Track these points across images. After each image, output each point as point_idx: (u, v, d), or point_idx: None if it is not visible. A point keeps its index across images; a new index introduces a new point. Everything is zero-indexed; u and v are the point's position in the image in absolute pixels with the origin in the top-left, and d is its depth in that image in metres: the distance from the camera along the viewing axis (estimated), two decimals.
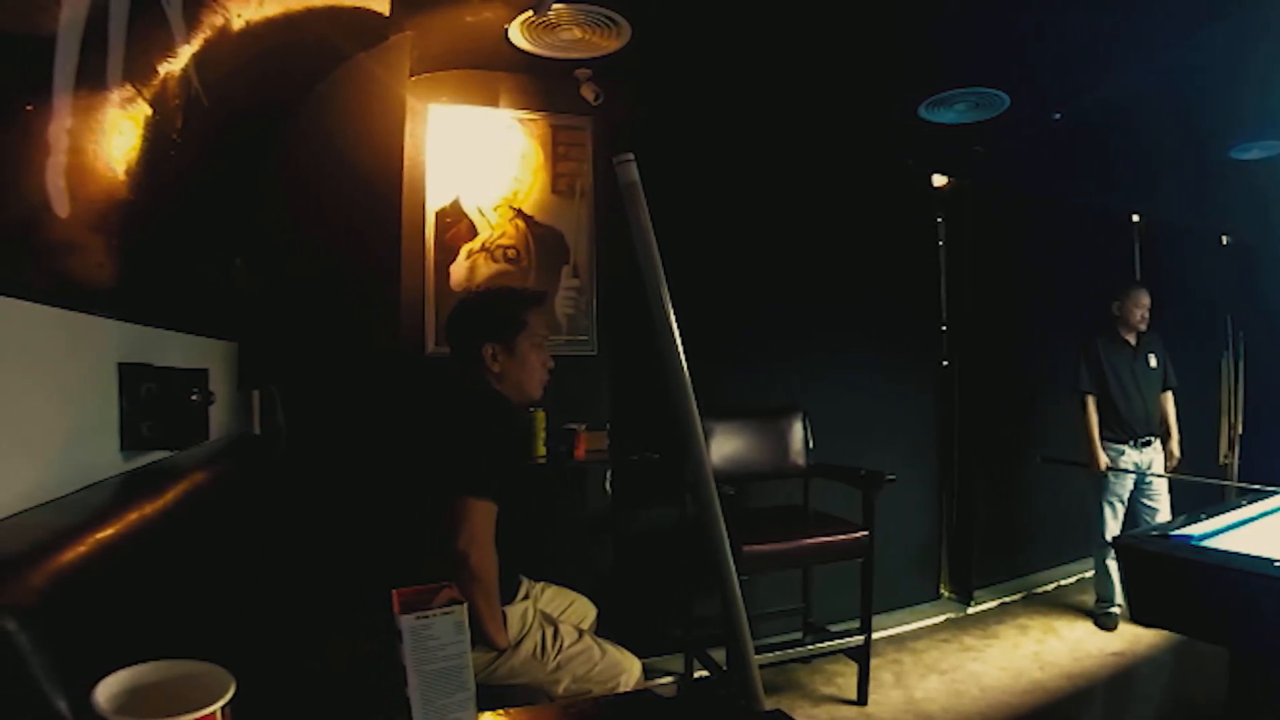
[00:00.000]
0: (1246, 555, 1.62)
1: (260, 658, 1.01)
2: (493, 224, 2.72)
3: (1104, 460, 3.21)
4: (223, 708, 0.62)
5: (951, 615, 3.37)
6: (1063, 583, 3.76)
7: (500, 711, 0.88)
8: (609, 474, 2.81)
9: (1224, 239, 4.85)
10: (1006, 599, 3.56)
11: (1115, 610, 3.17)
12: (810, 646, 2.63)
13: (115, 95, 1.10)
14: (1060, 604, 3.49)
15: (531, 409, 2.53)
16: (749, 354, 3.12)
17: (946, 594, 3.59)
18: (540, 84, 2.76)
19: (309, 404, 2.06)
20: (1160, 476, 3.25)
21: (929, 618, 3.33)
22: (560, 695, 1.53)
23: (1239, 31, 2.27)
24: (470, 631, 0.80)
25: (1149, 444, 3.26)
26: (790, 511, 2.90)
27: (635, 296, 1.56)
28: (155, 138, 1.25)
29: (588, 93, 2.77)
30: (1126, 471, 3.21)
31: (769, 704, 1.96)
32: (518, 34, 2.38)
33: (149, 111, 1.21)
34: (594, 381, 2.81)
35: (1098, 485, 3.25)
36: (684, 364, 1.26)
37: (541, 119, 2.80)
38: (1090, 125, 3.12)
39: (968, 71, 2.72)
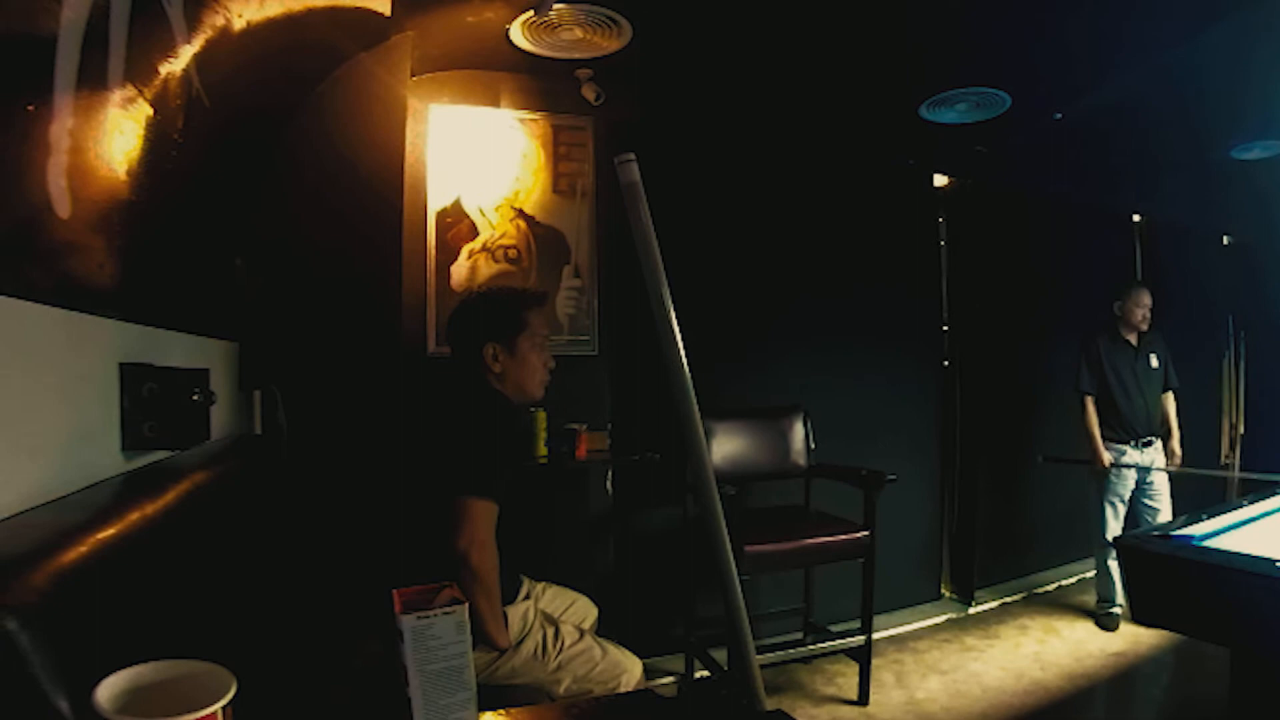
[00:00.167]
0: (1248, 555, 1.61)
1: (261, 658, 1.02)
2: (494, 224, 2.72)
3: (1107, 458, 3.21)
4: (224, 707, 0.62)
5: (953, 615, 3.37)
6: (1064, 583, 3.76)
7: (501, 711, 0.87)
8: (610, 474, 2.81)
9: (1225, 239, 4.85)
10: (1008, 599, 3.56)
11: (1116, 610, 3.17)
12: (811, 646, 2.62)
13: (116, 95, 1.10)
14: (1061, 604, 3.49)
15: (532, 409, 2.53)
16: (750, 354, 3.12)
17: (948, 594, 3.59)
18: (541, 84, 2.76)
19: (310, 404, 2.06)
20: (1162, 471, 3.24)
21: (930, 618, 3.33)
22: (561, 695, 1.53)
23: (1239, 31, 2.27)
24: (471, 631, 0.80)
25: (1150, 444, 3.26)
26: (791, 511, 2.90)
27: (636, 296, 1.56)
28: (156, 138, 1.25)
29: (589, 93, 2.77)
30: (1128, 467, 3.21)
31: (770, 704, 1.96)
32: (519, 34, 2.38)
33: (150, 112, 1.21)
34: (595, 381, 2.81)
35: (1099, 485, 3.25)
36: (685, 364, 1.26)
37: (542, 119, 2.80)
38: (1091, 125, 3.12)
39: (969, 71, 2.72)
